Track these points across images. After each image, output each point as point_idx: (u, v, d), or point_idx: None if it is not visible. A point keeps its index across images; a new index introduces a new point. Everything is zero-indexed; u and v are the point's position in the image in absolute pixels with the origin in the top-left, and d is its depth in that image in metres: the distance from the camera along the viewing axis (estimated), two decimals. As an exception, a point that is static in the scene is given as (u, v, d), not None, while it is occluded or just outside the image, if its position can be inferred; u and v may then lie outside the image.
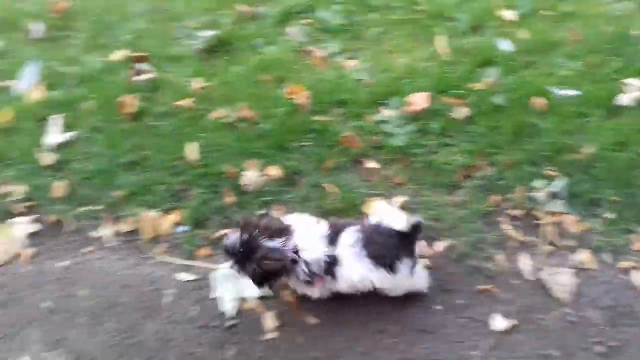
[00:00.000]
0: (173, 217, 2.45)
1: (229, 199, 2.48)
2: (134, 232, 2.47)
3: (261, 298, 2.18)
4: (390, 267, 1.89)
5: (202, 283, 2.26)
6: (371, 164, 2.61)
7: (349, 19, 3.38)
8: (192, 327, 2.16)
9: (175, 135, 2.74)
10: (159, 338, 2.13)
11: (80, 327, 2.19)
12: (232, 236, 1.90)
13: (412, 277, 1.98)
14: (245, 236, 1.87)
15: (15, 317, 2.23)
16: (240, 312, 2.17)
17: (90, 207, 2.53)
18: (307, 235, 1.92)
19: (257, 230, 1.87)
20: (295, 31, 3.29)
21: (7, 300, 2.29)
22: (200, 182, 2.58)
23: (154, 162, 2.66)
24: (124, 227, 2.46)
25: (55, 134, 2.76)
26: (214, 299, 2.19)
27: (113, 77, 3.02)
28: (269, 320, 2.12)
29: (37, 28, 3.30)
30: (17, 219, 2.51)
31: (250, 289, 2.16)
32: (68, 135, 2.76)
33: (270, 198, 2.50)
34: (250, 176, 2.55)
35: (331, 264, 1.89)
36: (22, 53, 3.24)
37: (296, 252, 1.87)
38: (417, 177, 2.57)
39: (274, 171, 2.57)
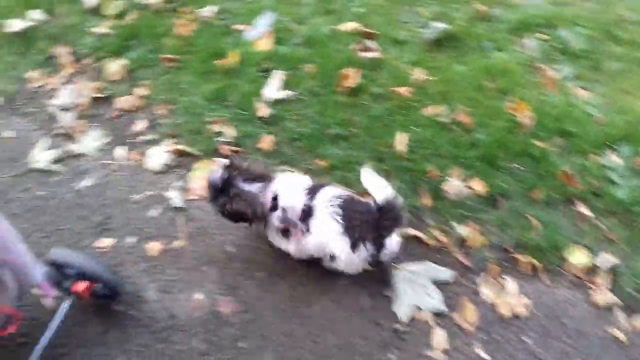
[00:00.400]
0: (366, 201, 2.49)
1: (426, 200, 2.50)
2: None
3: (437, 314, 2.19)
4: (354, 244, 1.97)
5: (380, 277, 2.32)
6: (584, 210, 2.49)
7: (591, 45, 3.20)
8: (360, 318, 2.23)
9: (387, 120, 2.80)
10: (325, 317, 2.23)
11: (256, 281, 2.35)
12: (215, 174, 2.08)
13: (366, 263, 2.07)
14: (226, 174, 2.04)
15: (199, 253, 2.45)
16: (412, 320, 2.20)
17: (289, 168, 2.64)
18: (288, 183, 2.08)
19: (237, 171, 2.05)
20: (529, 43, 3.19)
21: (195, 234, 2.51)
22: (401, 175, 2.62)
23: (361, 141, 2.74)
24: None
25: (274, 88, 2.93)
26: (389, 297, 2.23)
27: (339, 47, 3.13)
28: (440, 339, 2.15)
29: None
30: (222, 160, 2.68)
31: (429, 301, 2.15)
32: (286, 92, 2.92)
33: (467, 213, 2.48)
34: (454, 184, 2.54)
35: (307, 213, 2.00)
36: (257, 0, 3.44)
37: (275, 198, 2.02)
38: (634, 239, 2.39)
39: (478, 185, 2.54)
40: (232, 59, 3.05)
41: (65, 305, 2.03)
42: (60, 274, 2.03)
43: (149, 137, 2.85)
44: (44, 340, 1.92)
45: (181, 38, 3.21)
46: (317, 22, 3.29)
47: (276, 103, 2.89)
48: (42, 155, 2.80)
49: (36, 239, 2.49)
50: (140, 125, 2.90)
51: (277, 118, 2.85)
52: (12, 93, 3.11)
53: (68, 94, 3.04)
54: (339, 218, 1.97)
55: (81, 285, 2.02)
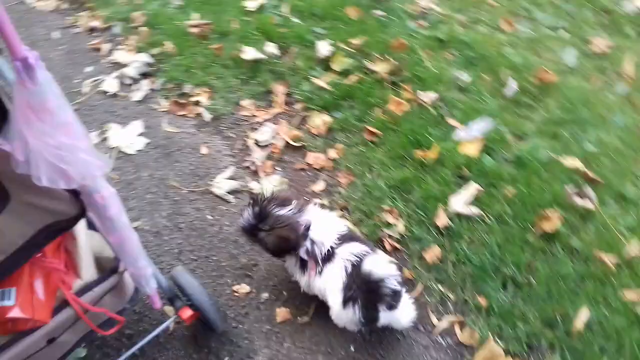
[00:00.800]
0: (515, 367, 2.24)
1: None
2: (466, 345, 2.40)
3: None
4: (345, 301, 2.04)
5: None
6: None
7: None
8: None
9: (574, 284, 2.52)
10: None
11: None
12: (244, 213, 2.15)
13: (352, 322, 2.10)
14: (257, 208, 2.11)
15: (320, 339, 2.42)
16: None
17: (445, 291, 2.50)
18: (324, 218, 2.19)
19: (266, 201, 2.11)
20: None
21: (324, 317, 2.40)
22: (564, 354, 2.32)
23: (534, 295, 2.50)
24: (460, 332, 2.43)
25: (463, 200, 2.79)
26: None
27: (551, 180, 2.89)
28: None
29: (511, 85, 3.35)
30: (380, 252, 2.62)
31: None
32: (473, 209, 2.75)
33: None
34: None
35: (329, 256, 2.07)
36: (482, 101, 3.34)
37: (308, 227, 2.09)
38: None
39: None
40: (432, 153, 2.99)
41: (167, 322, 2.23)
42: (176, 291, 2.22)
43: (322, 200, 2.90)
44: (138, 344, 2.13)
45: (390, 114, 3.23)
46: (537, 143, 3.07)
47: (458, 216, 2.75)
48: (223, 182, 3.01)
49: (185, 258, 2.68)
50: (319, 186, 2.98)
51: (453, 233, 2.72)
52: (222, 114, 3.41)
53: (268, 132, 3.24)
54: (345, 273, 2.01)
55: (187, 313, 2.17)
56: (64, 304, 1.78)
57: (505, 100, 3.33)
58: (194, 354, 2.43)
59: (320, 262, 2.10)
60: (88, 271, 1.91)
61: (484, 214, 2.77)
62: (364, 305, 2.01)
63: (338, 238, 2.11)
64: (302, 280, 2.33)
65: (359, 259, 2.04)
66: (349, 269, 2.03)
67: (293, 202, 2.17)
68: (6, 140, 1.20)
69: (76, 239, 1.91)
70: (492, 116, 3.19)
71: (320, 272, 2.12)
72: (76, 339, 1.98)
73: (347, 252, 2.06)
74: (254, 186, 3.00)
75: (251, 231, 2.20)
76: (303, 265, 2.18)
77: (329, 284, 2.11)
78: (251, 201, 2.27)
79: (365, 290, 1.99)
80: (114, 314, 1.94)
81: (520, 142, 3.09)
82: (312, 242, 2.11)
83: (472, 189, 2.83)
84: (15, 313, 1.57)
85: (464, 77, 3.43)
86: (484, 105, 3.28)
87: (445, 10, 4.00)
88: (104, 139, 3.37)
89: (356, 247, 2.09)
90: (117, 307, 2.04)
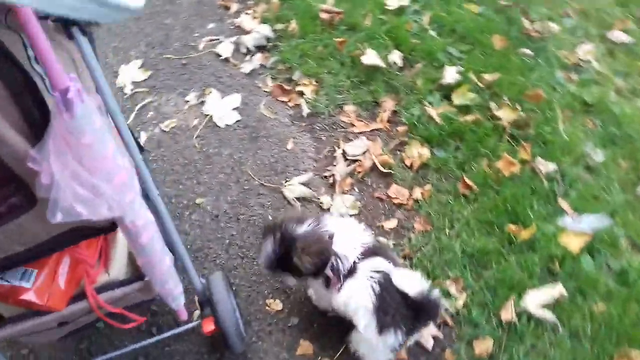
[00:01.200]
0: None
1: None
2: None
3: None
4: (381, 328, 1.87)
5: None
6: None
7: None
8: None
9: None
10: None
11: None
12: (266, 245, 1.96)
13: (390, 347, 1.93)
14: (277, 234, 1.92)
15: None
16: None
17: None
18: (346, 229, 2.02)
19: (284, 224, 1.93)
20: None
21: None
22: None
23: None
24: None
25: (542, 300, 2.50)
26: None
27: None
28: None
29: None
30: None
31: None
32: (547, 314, 2.46)
33: None
34: None
35: (351, 271, 1.91)
36: (608, 189, 2.89)
37: (331, 237, 1.92)
38: None
39: None
40: (526, 232, 2.65)
41: (190, 325, 2.21)
42: (209, 296, 2.13)
43: (389, 241, 2.67)
44: (158, 337, 2.21)
45: (496, 171, 2.89)
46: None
47: (528, 316, 2.43)
48: (296, 187, 2.89)
49: (232, 252, 2.65)
50: (390, 224, 2.77)
51: (515, 331, 2.42)
52: (321, 112, 3.24)
53: (360, 147, 3.04)
54: (373, 295, 1.87)
55: (210, 327, 2.09)
56: (83, 294, 1.77)
57: (635, 198, 2.85)
58: (206, 354, 2.40)
59: (341, 277, 1.94)
60: (118, 269, 1.88)
61: (558, 323, 2.41)
62: (410, 328, 1.91)
63: (362, 252, 1.95)
64: (325, 296, 2.18)
65: (388, 279, 1.90)
66: (378, 290, 1.88)
67: (308, 217, 2.02)
68: (39, 154, 1.14)
69: (116, 234, 1.88)
70: (612, 212, 2.75)
71: (339, 289, 1.96)
72: (89, 321, 1.98)
73: (371, 270, 1.91)
74: (324, 200, 2.80)
75: (280, 262, 2.05)
76: (327, 281, 2.01)
77: (352, 302, 1.95)
78: (266, 231, 2.09)
79: (413, 314, 1.89)
80: (133, 315, 1.91)
81: (634, 254, 2.64)
82: (336, 256, 1.94)
83: (556, 291, 2.49)
84: (28, 296, 1.57)
85: (598, 155, 2.96)
86: (608, 196, 2.83)
87: (605, 69, 3.48)
88: (202, 102, 3.32)
89: (381, 264, 1.93)
90: (142, 300, 2.01)
